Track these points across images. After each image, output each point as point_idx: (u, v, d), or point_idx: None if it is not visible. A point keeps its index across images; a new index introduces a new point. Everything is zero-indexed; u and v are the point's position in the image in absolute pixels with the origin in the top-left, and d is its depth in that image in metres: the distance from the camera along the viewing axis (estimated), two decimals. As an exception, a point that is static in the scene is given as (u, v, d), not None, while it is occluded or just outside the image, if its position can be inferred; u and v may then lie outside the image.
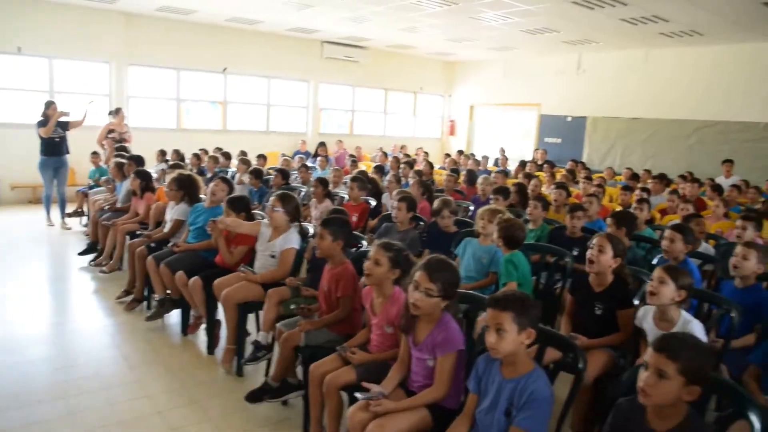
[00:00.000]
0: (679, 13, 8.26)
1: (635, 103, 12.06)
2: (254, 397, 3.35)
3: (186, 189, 5.07)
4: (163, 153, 9.08)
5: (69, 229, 8.02)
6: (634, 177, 9.34)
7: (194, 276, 4.16)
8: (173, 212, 5.10)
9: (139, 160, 6.86)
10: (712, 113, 10.85)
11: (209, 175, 7.87)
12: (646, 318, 2.93)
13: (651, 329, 2.85)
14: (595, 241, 3.14)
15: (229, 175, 8.17)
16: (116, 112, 9.31)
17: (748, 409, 1.94)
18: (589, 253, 3.13)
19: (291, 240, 3.92)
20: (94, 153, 8.84)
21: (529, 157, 12.86)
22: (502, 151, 13.13)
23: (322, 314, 3.31)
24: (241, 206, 4.34)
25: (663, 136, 11.68)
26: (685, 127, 11.27)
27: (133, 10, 10.50)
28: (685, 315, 2.83)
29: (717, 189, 7.68)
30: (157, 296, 4.68)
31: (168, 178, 5.39)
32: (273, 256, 3.94)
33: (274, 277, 3.84)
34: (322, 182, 5.85)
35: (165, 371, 3.91)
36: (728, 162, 9.77)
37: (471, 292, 3.05)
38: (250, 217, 4.40)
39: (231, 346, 3.88)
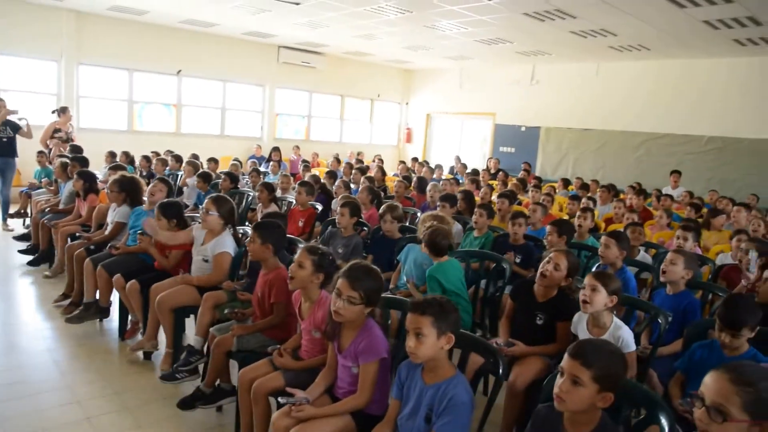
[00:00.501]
0: (625, 28, 8.51)
1: (587, 114, 12.35)
2: (187, 404, 3.29)
3: (128, 191, 4.97)
4: (112, 155, 8.85)
5: (11, 230, 7.72)
6: (584, 187, 9.56)
7: (132, 279, 4.08)
8: (114, 214, 5.00)
9: (83, 161, 6.68)
10: (658, 126, 11.19)
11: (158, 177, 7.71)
12: (580, 324, 2.98)
13: (584, 335, 2.90)
14: (552, 256, 3.14)
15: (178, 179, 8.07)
16: (62, 111, 9.03)
17: (659, 411, 1.98)
18: (543, 268, 3.13)
19: (223, 244, 3.86)
20: (40, 152, 8.55)
21: (484, 166, 13.02)
22: (458, 159, 13.27)
23: (256, 319, 3.26)
24: (172, 213, 4.27)
25: (613, 147, 11.99)
26: (634, 139, 11.60)
27: (84, 8, 10.24)
28: (617, 321, 2.89)
29: (660, 199, 7.91)
30: (85, 299, 4.56)
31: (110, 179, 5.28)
32: (206, 261, 3.88)
33: (210, 281, 3.78)
34: (267, 187, 5.80)
35: (98, 377, 3.80)
36: (675, 173, 10.09)
37: (399, 297, 3.04)
38: (183, 224, 4.33)
39: (169, 350, 3.81)
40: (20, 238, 6.93)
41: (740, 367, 1.65)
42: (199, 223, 4.09)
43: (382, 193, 6.97)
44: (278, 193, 6.47)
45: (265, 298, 3.20)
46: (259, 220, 5.69)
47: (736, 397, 1.58)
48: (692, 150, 10.75)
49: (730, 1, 6.64)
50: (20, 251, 6.52)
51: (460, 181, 9.88)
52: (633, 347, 2.82)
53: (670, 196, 8.31)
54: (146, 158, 8.84)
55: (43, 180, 7.73)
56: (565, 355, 1.91)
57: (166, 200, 4.46)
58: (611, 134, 11.99)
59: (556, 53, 11.29)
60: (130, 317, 4.39)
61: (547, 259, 3.15)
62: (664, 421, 1.96)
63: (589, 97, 12.27)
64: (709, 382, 1.65)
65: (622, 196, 8.61)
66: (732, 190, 9.47)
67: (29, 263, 6.16)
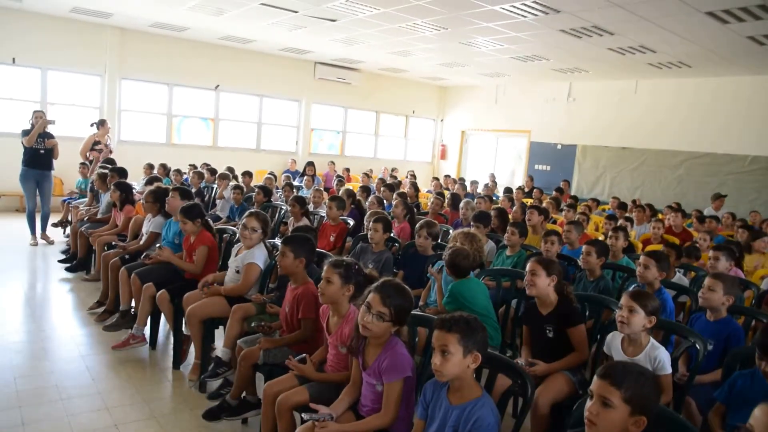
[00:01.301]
0: (665, 45, 8.35)
1: (625, 132, 12.14)
2: (212, 414, 3.29)
3: (162, 202, 5.06)
4: (150, 167, 9.06)
5: (52, 243, 7.86)
6: (622, 206, 9.36)
7: (163, 288, 4.14)
8: (149, 225, 5.12)
9: (122, 172, 6.83)
10: (699, 145, 10.92)
11: (194, 190, 7.84)
12: (614, 342, 2.90)
13: (619, 355, 2.81)
14: (528, 267, 3.16)
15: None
16: (101, 123, 9.26)
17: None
18: (524, 280, 3.16)
19: (254, 255, 3.89)
20: (83, 163, 8.78)
21: (520, 183, 12.89)
22: (492, 176, 13.16)
23: (283, 333, 3.25)
24: (194, 214, 4.33)
25: (651, 166, 11.74)
26: (674, 158, 11.34)
27: (127, 25, 10.59)
28: (653, 341, 2.80)
29: (703, 221, 7.66)
30: (122, 307, 4.63)
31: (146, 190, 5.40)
32: (238, 271, 3.92)
33: (235, 291, 3.81)
34: (299, 201, 5.83)
35: (128, 384, 3.84)
36: (720, 197, 9.79)
37: (427, 314, 3.01)
38: (207, 225, 4.43)
39: (198, 360, 3.84)
40: (64, 261, 6.86)
41: None
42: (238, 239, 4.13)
43: (415, 209, 6.93)
44: (311, 207, 6.50)
45: (294, 313, 3.19)
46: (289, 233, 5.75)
47: None
48: (735, 170, 10.44)
49: (774, 16, 6.46)
50: (60, 261, 6.68)
51: (495, 198, 9.78)
52: (669, 370, 2.72)
53: (716, 218, 8.01)
54: (178, 171, 8.98)
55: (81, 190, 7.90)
56: (594, 378, 1.85)
57: (185, 204, 4.49)
58: (650, 153, 11.74)
59: (594, 70, 11.15)
60: (132, 330, 4.39)
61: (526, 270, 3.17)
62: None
63: (628, 114, 12.06)
64: (759, 415, 1.57)
65: (660, 216, 8.39)
66: (776, 212, 9.15)
67: (67, 269, 6.37)
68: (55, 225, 8.20)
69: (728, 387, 2.68)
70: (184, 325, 4.02)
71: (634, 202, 10.07)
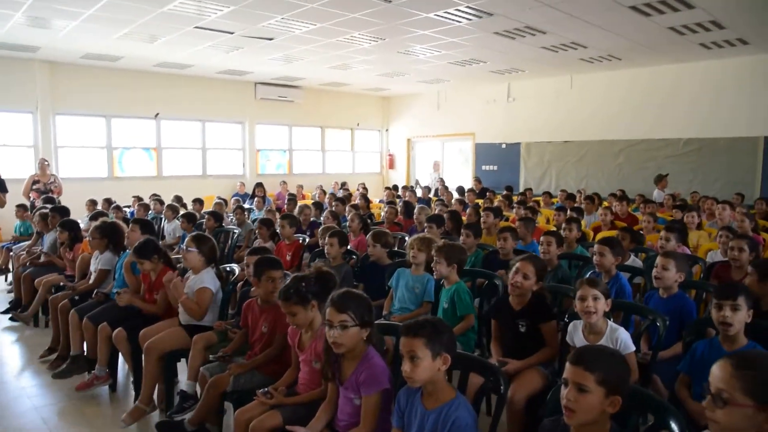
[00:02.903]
0: (594, 40, 8.65)
1: (565, 126, 12.51)
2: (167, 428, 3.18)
3: (110, 237, 4.88)
4: (93, 203, 8.76)
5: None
6: (570, 197, 9.62)
7: (119, 327, 3.96)
8: (97, 262, 4.88)
9: (63, 211, 6.57)
10: (635, 132, 11.36)
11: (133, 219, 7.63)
12: (576, 333, 2.95)
13: (582, 344, 2.86)
14: (518, 266, 3.16)
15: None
16: (40, 163, 8.96)
17: (668, 416, 1.94)
18: (512, 278, 3.14)
19: (203, 280, 3.79)
20: (19, 206, 8.42)
21: (470, 186, 13.06)
22: (441, 181, 13.30)
23: (252, 356, 3.18)
24: (148, 251, 4.16)
25: (593, 156, 12.13)
26: (613, 147, 11.75)
27: (56, 58, 10.26)
28: (612, 324, 2.88)
29: (648, 203, 7.95)
30: (72, 352, 4.42)
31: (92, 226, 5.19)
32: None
33: (193, 311, 3.71)
34: (266, 223, 5.76)
35: (89, 430, 3.67)
36: (663, 177, 10.15)
37: (392, 322, 2.99)
38: (167, 259, 4.28)
39: (141, 405, 3.62)
40: (7, 311, 6.54)
41: (743, 353, 1.66)
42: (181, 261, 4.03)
43: (369, 221, 6.93)
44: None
45: (273, 330, 3.14)
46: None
47: (738, 381, 1.59)
48: (671, 153, 10.89)
49: (691, 7, 6.78)
50: (3, 312, 6.28)
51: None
52: (632, 348, 2.80)
53: (653, 202, 8.35)
54: (117, 208, 8.71)
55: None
56: (567, 365, 1.87)
57: (138, 243, 4.33)
58: (591, 144, 12.12)
59: (530, 69, 11.45)
60: (95, 371, 4.19)
61: (514, 269, 3.16)
62: (674, 426, 1.91)
63: (566, 109, 12.43)
64: (714, 370, 1.67)
65: (605, 203, 8.64)
66: (713, 190, 9.57)
67: (11, 318, 5.98)
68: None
69: (690, 356, 2.78)
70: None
71: (580, 192, 10.36)
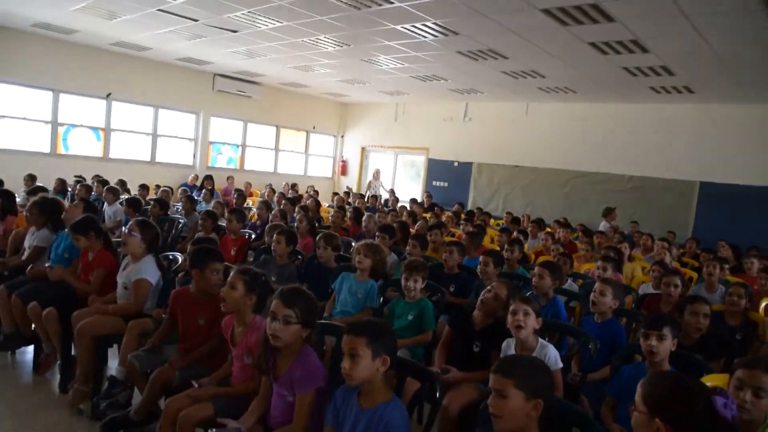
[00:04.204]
0: (553, 70, 8.93)
1: (517, 151, 12.80)
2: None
3: (50, 213, 4.68)
4: (32, 178, 8.41)
5: None
6: (515, 221, 9.87)
7: (50, 306, 3.80)
8: (33, 238, 4.67)
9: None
10: (583, 164, 11.75)
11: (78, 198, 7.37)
12: (509, 350, 3.02)
13: (515, 361, 2.93)
14: (494, 285, 3.23)
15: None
16: None
17: (591, 430, 2.02)
18: (483, 296, 3.20)
19: (142, 270, 3.68)
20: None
21: (420, 199, 13.19)
22: (392, 192, 13.40)
23: (188, 348, 3.11)
24: (85, 228, 4.04)
25: (541, 183, 12.45)
26: (560, 177, 12.10)
27: (4, 22, 9.78)
28: (542, 341, 2.97)
29: (587, 233, 8.25)
30: (5, 330, 4.20)
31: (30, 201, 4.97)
32: (126, 288, 3.70)
33: (126, 311, 3.59)
34: (211, 215, 5.66)
35: (10, 413, 3.51)
36: (612, 211, 10.40)
37: (335, 322, 3.00)
38: (106, 240, 4.15)
39: (81, 386, 3.53)
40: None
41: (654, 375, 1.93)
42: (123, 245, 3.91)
43: (317, 224, 6.92)
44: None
45: (212, 323, 3.07)
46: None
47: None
48: (614, 188, 11.30)
49: (646, 51, 7.11)
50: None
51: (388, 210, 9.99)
52: (560, 365, 2.90)
53: (602, 233, 8.69)
54: (60, 181, 8.39)
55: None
56: (490, 375, 1.96)
57: (75, 220, 4.20)
58: (540, 171, 12.45)
59: (488, 92, 11.69)
60: (44, 348, 4.07)
61: (489, 287, 3.21)
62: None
63: (519, 135, 12.73)
64: (639, 389, 1.87)
65: (549, 229, 8.90)
66: (649, 226, 9.98)
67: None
68: None
69: (617, 380, 2.90)
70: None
71: (524, 217, 10.63)
